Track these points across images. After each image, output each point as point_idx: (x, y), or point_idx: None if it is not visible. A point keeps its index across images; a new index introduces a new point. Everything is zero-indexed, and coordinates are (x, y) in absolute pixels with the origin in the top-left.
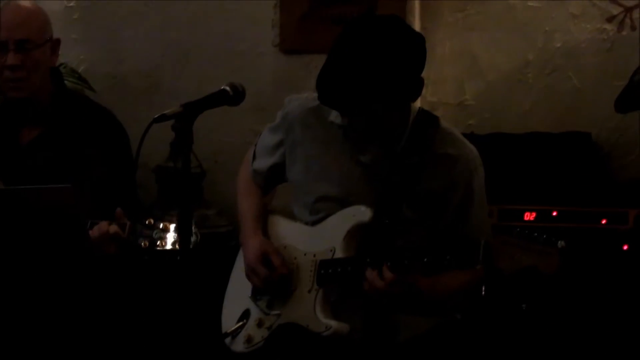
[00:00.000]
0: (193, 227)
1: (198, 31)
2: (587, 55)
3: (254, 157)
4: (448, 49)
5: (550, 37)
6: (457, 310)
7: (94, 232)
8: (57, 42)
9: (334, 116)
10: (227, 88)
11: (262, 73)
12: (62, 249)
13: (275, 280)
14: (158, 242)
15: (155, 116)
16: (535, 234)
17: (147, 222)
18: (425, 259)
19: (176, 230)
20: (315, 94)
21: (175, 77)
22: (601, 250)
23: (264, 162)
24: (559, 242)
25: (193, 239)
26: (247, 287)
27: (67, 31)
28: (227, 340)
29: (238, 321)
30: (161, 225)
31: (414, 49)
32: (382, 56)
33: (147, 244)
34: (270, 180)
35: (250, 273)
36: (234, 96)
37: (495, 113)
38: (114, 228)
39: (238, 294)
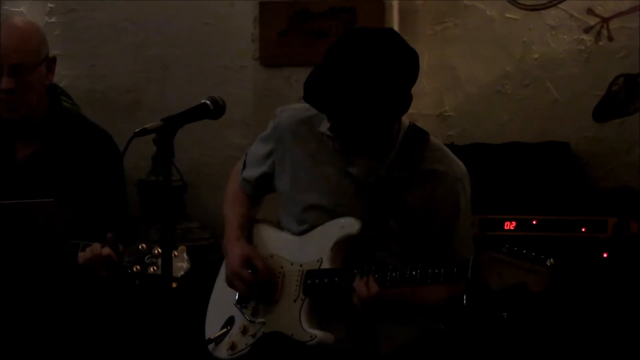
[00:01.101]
0: (185, 255)
1: (178, 46)
2: (565, 66)
3: (244, 166)
4: (427, 61)
5: (528, 49)
6: (438, 319)
7: (87, 253)
8: (53, 60)
9: (325, 127)
10: (208, 102)
11: (242, 87)
12: (46, 263)
13: (258, 285)
14: (150, 268)
15: (136, 130)
16: (524, 251)
17: (139, 247)
18: (413, 272)
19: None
20: (307, 105)
21: (156, 92)
22: (582, 259)
23: (253, 172)
24: (548, 260)
25: (186, 266)
26: (232, 294)
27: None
28: (211, 346)
29: (222, 328)
30: (154, 251)
31: (408, 64)
32: (375, 69)
33: (139, 268)
34: (260, 189)
35: (234, 278)
36: (215, 110)
37: (474, 124)
38: (107, 250)
39: (222, 301)
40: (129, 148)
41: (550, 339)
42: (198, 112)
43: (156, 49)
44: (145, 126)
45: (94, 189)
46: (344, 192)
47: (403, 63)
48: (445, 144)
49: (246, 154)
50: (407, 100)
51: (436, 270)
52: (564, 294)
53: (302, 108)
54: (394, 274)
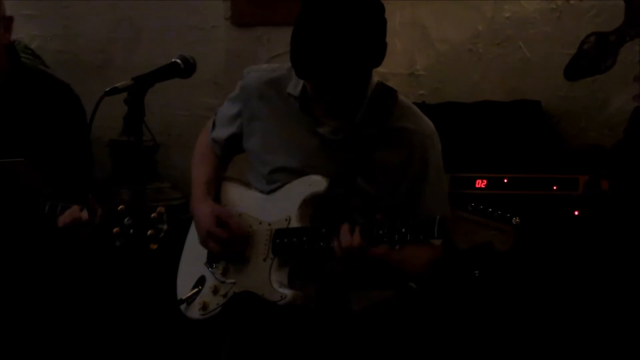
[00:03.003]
0: (165, 217)
1: (150, 6)
2: (537, 25)
3: (214, 126)
4: (398, 20)
5: (500, 8)
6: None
7: (66, 217)
8: (10, 19)
9: (292, 88)
10: (178, 60)
11: (214, 46)
12: (17, 224)
13: (234, 242)
14: (130, 230)
15: (107, 89)
16: (490, 210)
17: (119, 209)
18: (380, 232)
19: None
20: (274, 65)
21: (128, 53)
22: (552, 217)
23: (222, 132)
24: (514, 218)
25: (165, 227)
26: (201, 254)
27: (19, 7)
28: (183, 306)
29: (193, 288)
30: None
31: (379, 13)
32: (352, 19)
33: (119, 230)
34: (228, 150)
35: (207, 238)
36: (185, 68)
37: (446, 83)
38: (85, 214)
39: (193, 261)
40: (100, 108)
41: (520, 297)
42: (169, 71)
43: (127, 9)
44: (116, 85)
45: (56, 142)
46: (311, 152)
47: (376, 13)
48: (417, 103)
49: (216, 113)
50: (384, 48)
51: (403, 230)
52: (535, 252)
53: (268, 69)
54: (380, 232)
